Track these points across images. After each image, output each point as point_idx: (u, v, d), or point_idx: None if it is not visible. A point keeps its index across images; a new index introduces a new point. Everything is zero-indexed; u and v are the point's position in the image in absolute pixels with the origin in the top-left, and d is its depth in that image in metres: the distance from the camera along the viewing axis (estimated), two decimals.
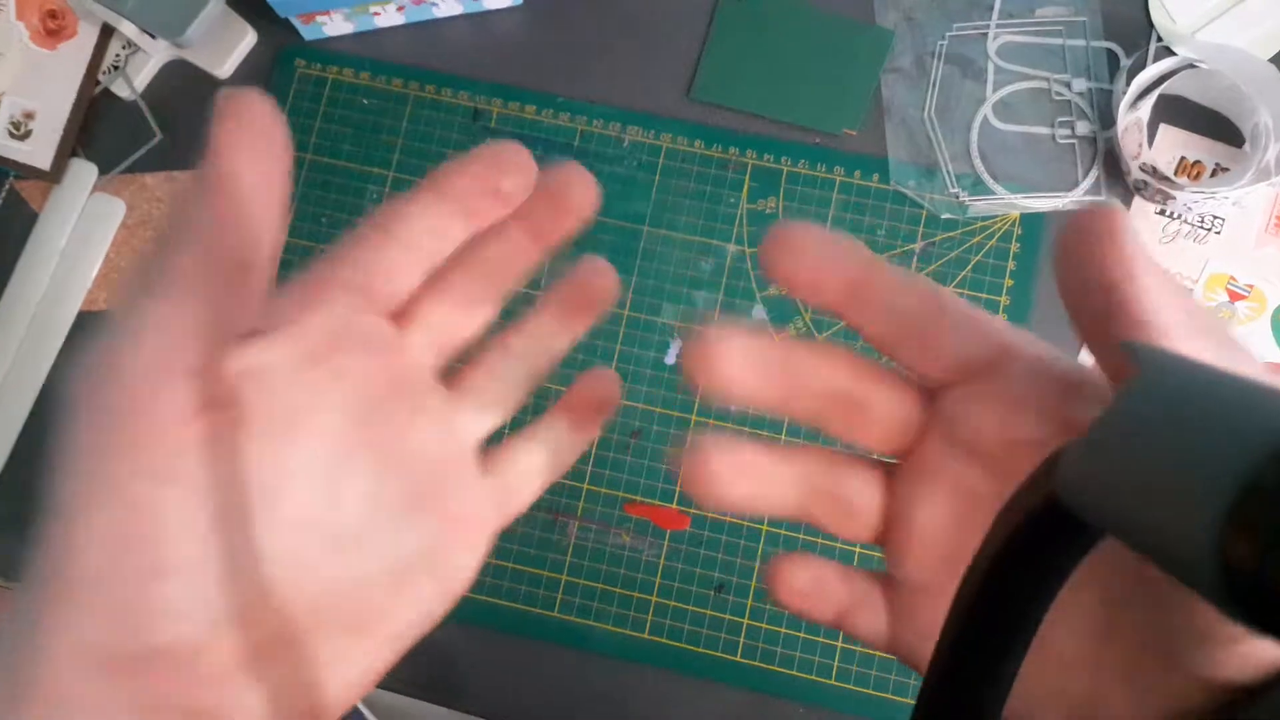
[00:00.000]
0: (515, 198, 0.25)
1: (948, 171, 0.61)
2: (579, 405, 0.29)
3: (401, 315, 0.25)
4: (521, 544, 0.59)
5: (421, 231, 0.25)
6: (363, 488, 0.23)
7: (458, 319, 0.26)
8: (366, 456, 0.23)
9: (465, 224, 0.25)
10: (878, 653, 0.56)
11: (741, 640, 0.57)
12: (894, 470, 0.25)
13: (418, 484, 0.24)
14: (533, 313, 0.28)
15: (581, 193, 0.26)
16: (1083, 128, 0.61)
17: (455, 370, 0.27)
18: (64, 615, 0.20)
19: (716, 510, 0.25)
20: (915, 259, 0.60)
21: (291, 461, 0.22)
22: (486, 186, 0.25)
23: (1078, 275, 0.20)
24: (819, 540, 0.57)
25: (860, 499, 0.24)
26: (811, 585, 0.25)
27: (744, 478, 0.24)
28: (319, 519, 0.23)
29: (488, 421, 0.27)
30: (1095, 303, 0.20)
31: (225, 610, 0.21)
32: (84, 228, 0.65)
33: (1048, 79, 0.62)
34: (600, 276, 0.28)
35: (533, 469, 0.28)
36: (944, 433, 0.23)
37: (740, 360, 0.23)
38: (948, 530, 0.24)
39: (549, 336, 0.28)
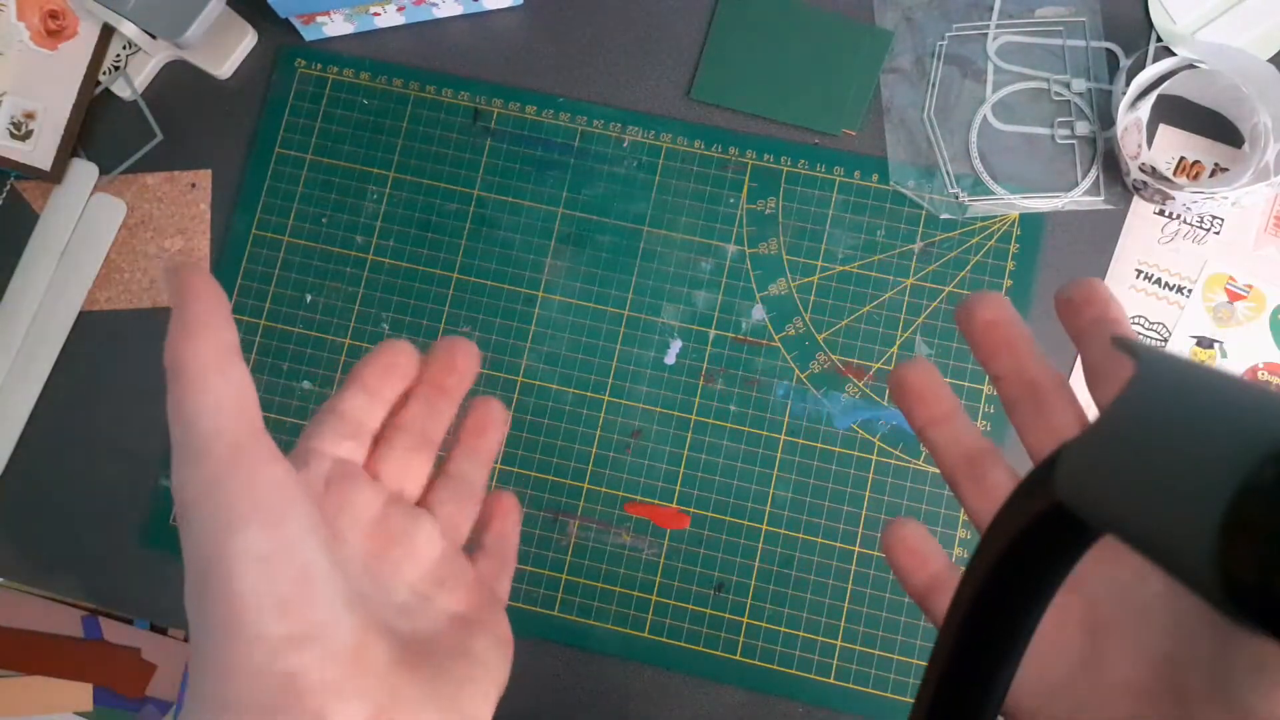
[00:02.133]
0: (410, 371, 0.33)
1: (947, 172, 0.61)
2: (495, 527, 0.35)
3: (369, 470, 0.32)
4: (522, 544, 0.59)
5: (359, 406, 0.31)
6: (401, 577, 0.29)
7: (410, 461, 0.32)
8: (394, 556, 0.30)
9: (384, 398, 0.32)
10: (877, 652, 0.56)
11: (741, 640, 0.57)
12: None
13: (436, 568, 0.31)
14: (455, 448, 0.35)
15: (464, 354, 0.34)
16: (1082, 128, 0.61)
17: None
18: (222, 649, 0.23)
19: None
20: (915, 259, 0.60)
21: (344, 563, 0.27)
22: (384, 367, 0.32)
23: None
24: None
25: None
26: (920, 546, 0.31)
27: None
28: (379, 597, 0.28)
29: (461, 528, 0.33)
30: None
31: (365, 616, 0.25)
32: (85, 228, 0.65)
33: (1047, 79, 0.62)
34: (494, 410, 0.36)
35: (501, 573, 0.34)
36: None
37: (1000, 312, 0.31)
38: None
39: (473, 460, 0.35)
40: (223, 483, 0.23)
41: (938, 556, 0.30)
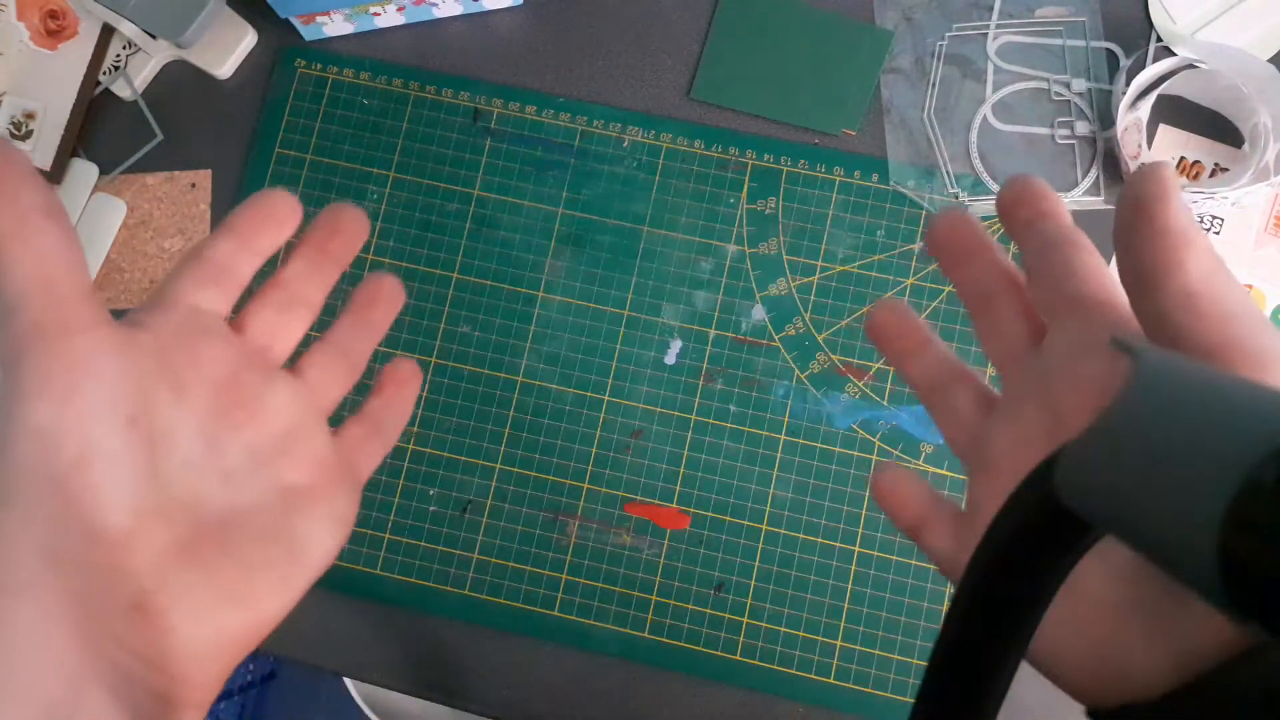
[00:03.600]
0: (290, 221, 0.31)
1: (947, 172, 0.61)
2: (389, 386, 0.34)
3: (236, 326, 0.30)
4: (521, 544, 0.59)
5: (226, 253, 0.30)
6: (240, 439, 0.28)
7: (280, 320, 0.31)
8: (237, 416, 0.28)
9: (256, 247, 0.31)
10: (877, 652, 0.56)
11: (741, 640, 0.57)
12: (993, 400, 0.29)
13: (285, 436, 0.29)
14: (340, 317, 0.34)
15: (351, 219, 0.33)
16: (1082, 128, 0.61)
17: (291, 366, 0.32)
18: (14, 507, 0.23)
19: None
20: (915, 259, 0.60)
21: (175, 422, 0.26)
22: (260, 215, 0.31)
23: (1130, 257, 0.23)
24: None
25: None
26: (906, 489, 0.31)
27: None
28: (206, 463, 0.27)
29: (329, 396, 0.32)
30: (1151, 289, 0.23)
31: (147, 504, 0.25)
32: (85, 228, 0.65)
33: (1047, 79, 0.62)
34: (387, 283, 0.35)
35: (368, 440, 0.33)
36: (1037, 365, 0.26)
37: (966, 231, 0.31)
38: (1014, 459, 0.26)
39: (359, 332, 0.34)
40: (19, 356, 0.23)
41: (919, 495, 0.31)
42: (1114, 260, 0.25)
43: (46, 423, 0.23)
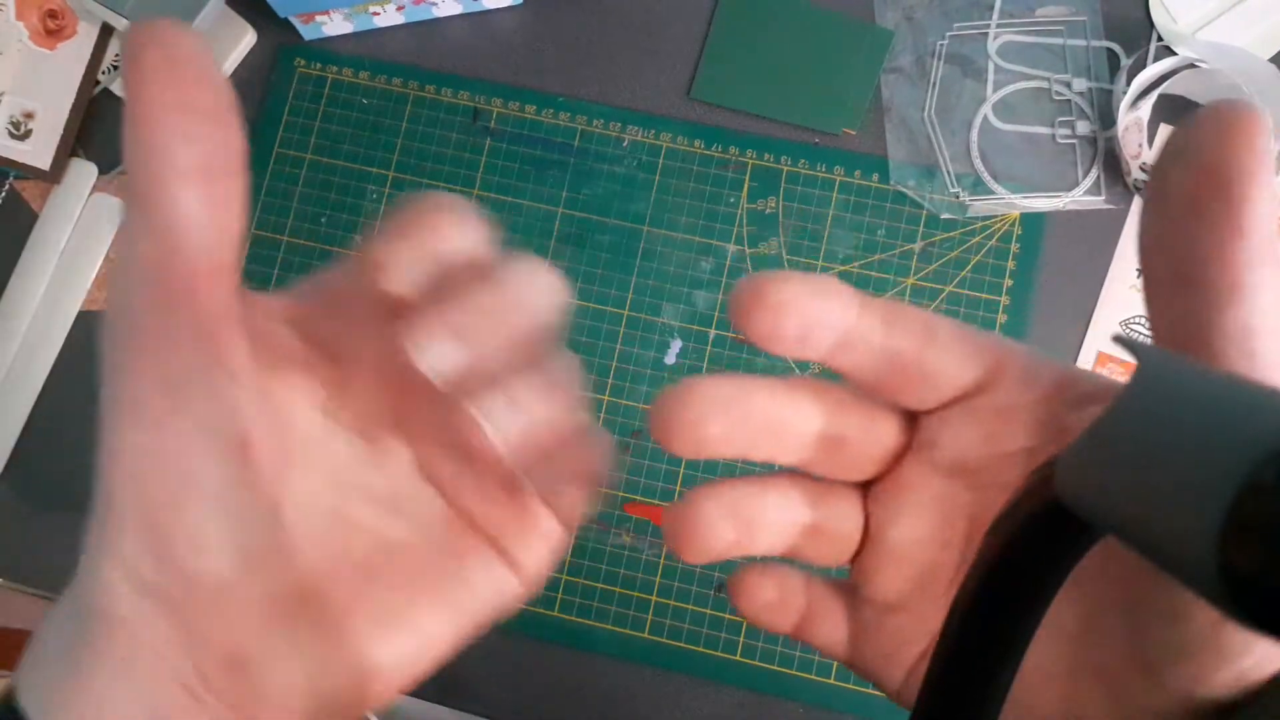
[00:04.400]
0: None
1: (948, 171, 0.61)
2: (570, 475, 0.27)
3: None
4: None
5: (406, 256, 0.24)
6: (406, 455, 0.23)
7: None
8: (404, 431, 0.23)
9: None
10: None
11: (741, 640, 0.57)
12: (869, 489, 0.24)
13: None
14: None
15: (549, 287, 0.25)
16: (1083, 127, 0.61)
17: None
18: (109, 538, 0.20)
19: (702, 563, 0.25)
20: (915, 259, 0.60)
21: (328, 424, 0.22)
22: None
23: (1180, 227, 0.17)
24: None
25: (843, 526, 0.24)
26: (777, 596, 0.25)
27: (731, 524, 0.23)
28: (360, 479, 0.22)
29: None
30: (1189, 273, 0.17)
31: (261, 546, 0.20)
32: (84, 228, 0.65)
33: (1048, 79, 0.62)
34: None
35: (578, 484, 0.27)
36: (925, 454, 0.23)
37: (713, 415, 0.22)
38: (922, 548, 0.23)
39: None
40: (120, 368, 0.20)
41: (792, 590, 0.25)
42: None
43: (139, 451, 0.20)
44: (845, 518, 0.24)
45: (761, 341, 0.22)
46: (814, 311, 0.22)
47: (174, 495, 0.20)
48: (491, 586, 0.23)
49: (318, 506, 0.22)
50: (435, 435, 0.23)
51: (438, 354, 0.23)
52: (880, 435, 0.23)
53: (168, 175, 0.18)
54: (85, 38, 0.65)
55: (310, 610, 0.21)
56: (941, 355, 0.22)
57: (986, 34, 0.63)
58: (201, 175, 0.18)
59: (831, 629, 0.25)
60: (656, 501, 0.59)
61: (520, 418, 0.24)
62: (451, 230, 0.26)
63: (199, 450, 0.20)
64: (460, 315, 0.23)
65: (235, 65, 0.66)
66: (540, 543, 0.24)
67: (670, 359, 0.60)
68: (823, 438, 0.23)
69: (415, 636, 0.22)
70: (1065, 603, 0.21)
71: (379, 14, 0.64)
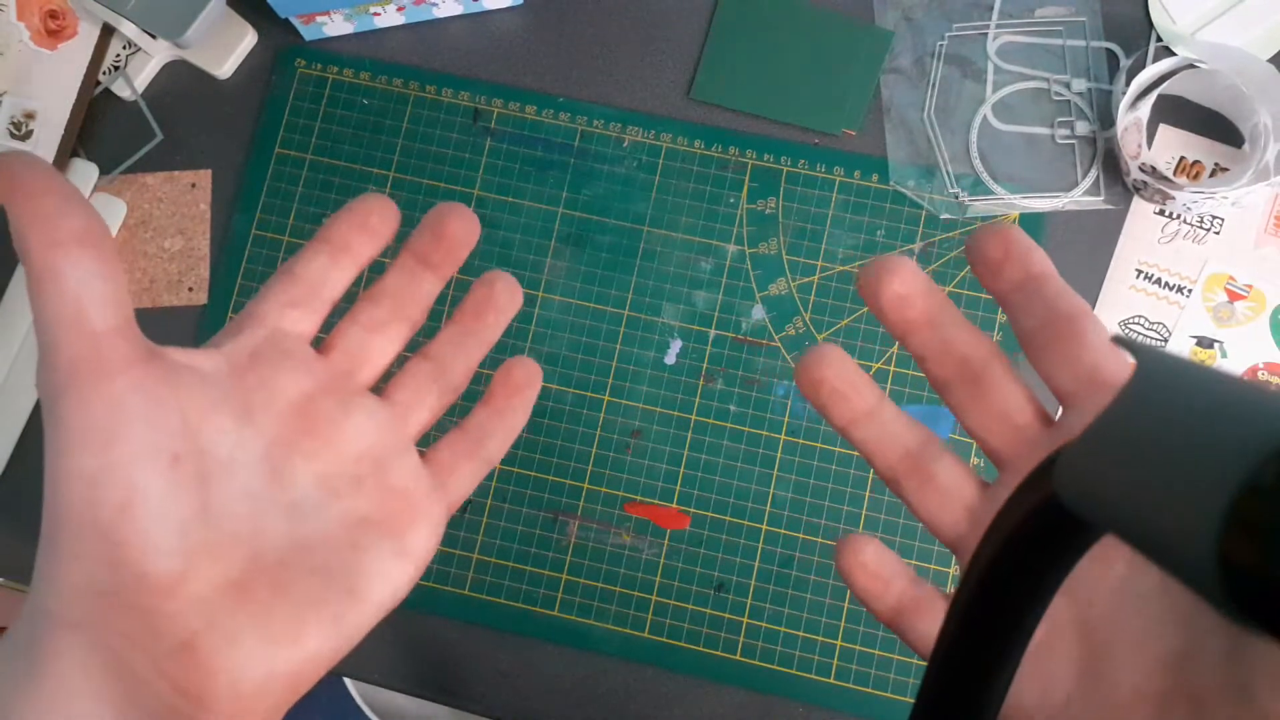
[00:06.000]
0: (384, 230, 0.30)
1: (947, 172, 0.61)
2: (499, 394, 0.32)
3: (323, 347, 0.29)
4: (521, 544, 0.59)
5: (317, 269, 0.28)
6: (310, 468, 0.27)
7: (371, 340, 0.29)
8: (309, 445, 0.27)
9: (351, 260, 0.29)
10: (877, 652, 0.56)
11: (741, 640, 0.57)
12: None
13: (360, 464, 0.28)
14: (443, 328, 0.31)
15: (458, 223, 0.30)
16: (1082, 128, 0.61)
17: (382, 387, 0.30)
18: (55, 555, 0.23)
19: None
20: (915, 259, 0.60)
21: (236, 451, 0.26)
22: (355, 224, 0.29)
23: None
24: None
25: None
26: (876, 565, 0.27)
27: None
28: (269, 493, 0.26)
29: (417, 419, 0.30)
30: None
31: (197, 544, 0.24)
32: None
33: (1047, 79, 0.62)
34: (500, 285, 0.31)
35: (463, 460, 0.30)
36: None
37: (912, 284, 0.27)
38: None
39: (461, 345, 0.31)
40: (57, 400, 0.22)
41: (900, 575, 0.27)
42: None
43: (89, 471, 0.22)
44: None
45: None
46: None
47: (123, 505, 0.23)
48: (387, 572, 0.27)
49: (236, 513, 0.25)
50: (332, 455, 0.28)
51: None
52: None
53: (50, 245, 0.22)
54: (86, 38, 0.65)
55: (252, 594, 0.25)
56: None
57: (986, 34, 0.63)
58: (78, 242, 0.22)
59: (926, 628, 0.27)
60: (656, 501, 0.59)
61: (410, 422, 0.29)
62: (370, 238, 0.30)
63: (140, 466, 0.23)
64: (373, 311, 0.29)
65: (236, 66, 0.66)
66: (428, 530, 0.28)
67: (670, 359, 0.60)
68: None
69: (333, 623, 0.26)
70: (1171, 625, 0.22)
71: (379, 14, 0.64)
